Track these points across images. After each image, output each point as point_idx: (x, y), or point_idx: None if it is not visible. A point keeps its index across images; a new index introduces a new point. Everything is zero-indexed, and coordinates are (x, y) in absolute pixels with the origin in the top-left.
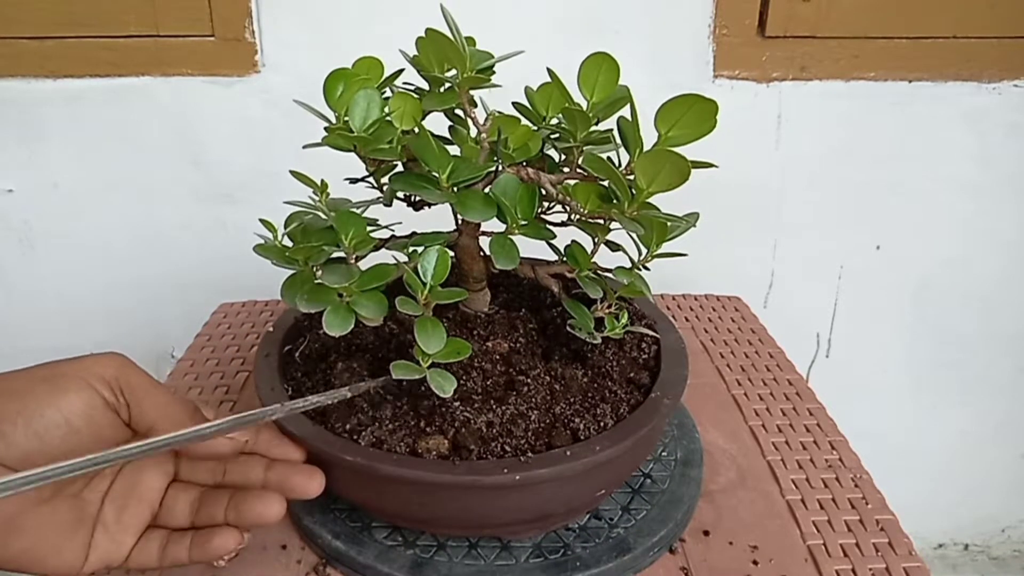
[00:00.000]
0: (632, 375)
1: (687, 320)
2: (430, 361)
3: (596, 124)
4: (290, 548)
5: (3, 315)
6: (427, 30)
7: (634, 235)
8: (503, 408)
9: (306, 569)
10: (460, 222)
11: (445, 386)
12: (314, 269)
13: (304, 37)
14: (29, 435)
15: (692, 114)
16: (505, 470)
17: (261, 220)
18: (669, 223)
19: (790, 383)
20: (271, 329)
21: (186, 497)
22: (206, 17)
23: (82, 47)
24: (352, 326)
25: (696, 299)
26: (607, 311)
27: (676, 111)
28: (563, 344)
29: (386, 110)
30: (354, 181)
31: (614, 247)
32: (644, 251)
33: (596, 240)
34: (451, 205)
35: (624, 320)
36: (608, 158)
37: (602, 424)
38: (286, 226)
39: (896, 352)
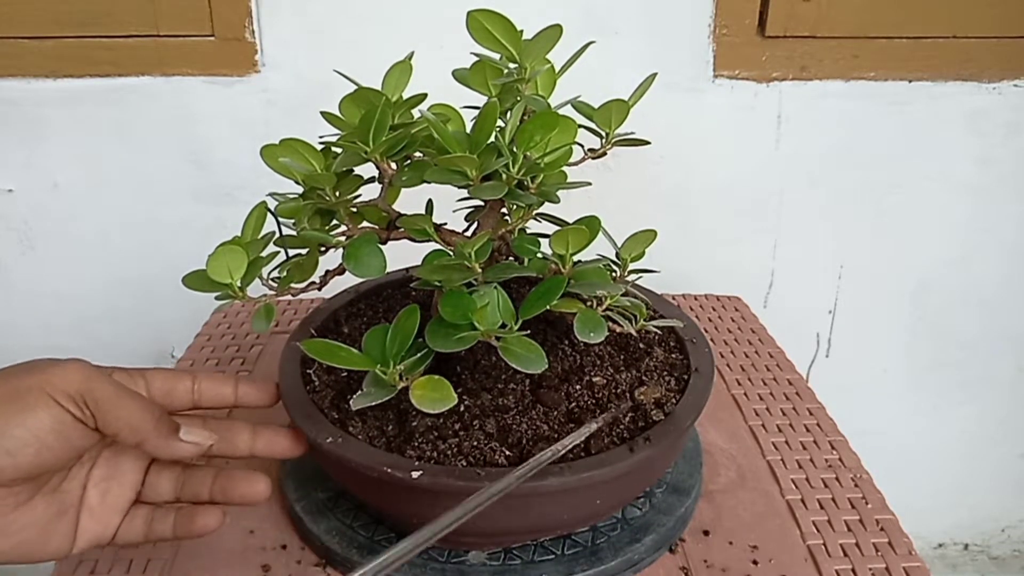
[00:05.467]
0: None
1: None
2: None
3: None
4: (290, 548)
5: (3, 315)
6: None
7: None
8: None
9: (306, 569)
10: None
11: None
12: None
13: (304, 37)
14: (1, 452)
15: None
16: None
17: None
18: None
19: (790, 383)
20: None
21: (169, 474)
22: (206, 17)
23: (82, 47)
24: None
25: (696, 299)
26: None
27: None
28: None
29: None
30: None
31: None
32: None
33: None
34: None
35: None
36: None
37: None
38: None
39: (896, 352)
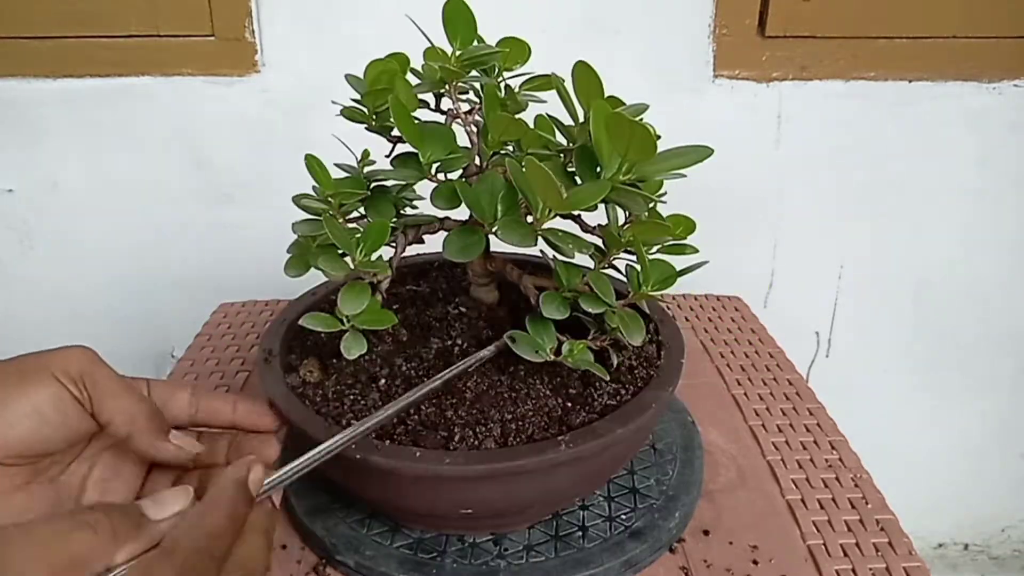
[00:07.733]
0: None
1: (687, 320)
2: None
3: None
4: (290, 548)
5: (3, 315)
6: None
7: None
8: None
9: (306, 569)
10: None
11: (352, 349)
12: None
13: (304, 37)
14: (1, 424)
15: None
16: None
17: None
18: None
19: (790, 383)
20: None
21: (170, 475)
22: (206, 17)
23: (82, 47)
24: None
25: (696, 299)
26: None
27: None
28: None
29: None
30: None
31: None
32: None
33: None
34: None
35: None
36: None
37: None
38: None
39: (896, 352)
